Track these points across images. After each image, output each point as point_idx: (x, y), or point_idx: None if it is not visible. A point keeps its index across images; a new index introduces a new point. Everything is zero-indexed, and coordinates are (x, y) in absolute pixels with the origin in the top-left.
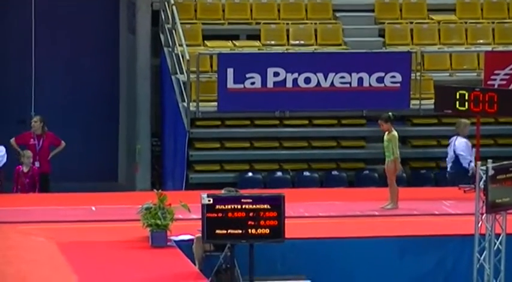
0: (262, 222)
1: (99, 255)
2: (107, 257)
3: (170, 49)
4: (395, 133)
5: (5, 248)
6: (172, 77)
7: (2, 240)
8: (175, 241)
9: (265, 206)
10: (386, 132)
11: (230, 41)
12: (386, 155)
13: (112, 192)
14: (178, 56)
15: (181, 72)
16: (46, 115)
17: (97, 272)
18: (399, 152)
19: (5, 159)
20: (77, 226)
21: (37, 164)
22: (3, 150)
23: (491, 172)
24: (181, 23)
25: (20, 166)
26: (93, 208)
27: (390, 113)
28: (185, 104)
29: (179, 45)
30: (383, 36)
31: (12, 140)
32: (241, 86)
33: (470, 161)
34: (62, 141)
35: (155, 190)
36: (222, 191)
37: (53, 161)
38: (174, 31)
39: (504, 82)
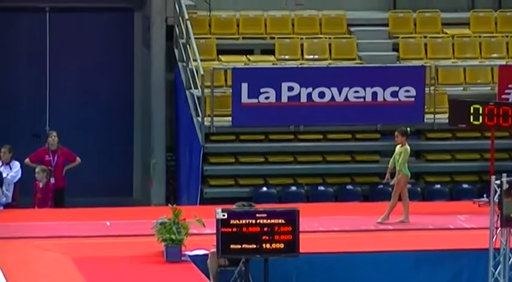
0: (276, 237)
1: (114, 270)
2: (122, 272)
3: (184, 64)
4: (407, 147)
5: (21, 263)
6: (187, 92)
7: (18, 256)
8: (189, 256)
9: (280, 221)
10: (399, 145)
11: (244, 56)
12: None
13: (127, 207)
14: (193, 71)
15: (196, 87)
16: (61, 130)
17: None
18: (406, 167)
19: (19, 175)
20: (92, 241)
21: (52, 180)
22: (18, 165)
23: (505, 186)
24: (195, 38)
25: (37, 181)
26: (108, 223)
27: (409, 129)
28: (199, 119)
29: (193, 60)
30: (397, 50)
31: (27, 160)
32: (256, 100)
33: None
34: (77, 158)
35: (170, 205)
36: (234, 206)
37: (68, 176)
38: (188, 46)
39: None
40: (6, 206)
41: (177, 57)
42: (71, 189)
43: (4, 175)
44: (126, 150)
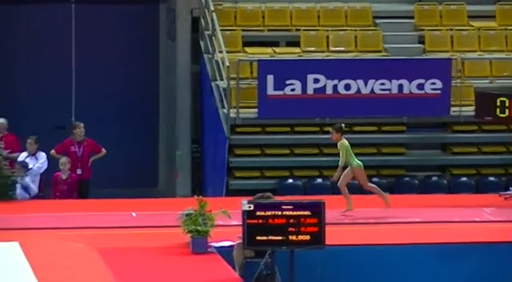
0: (302, 229)
1: (139, 261)
2: (148, 263)
3: (210, 56)
4: (343, 142)
5: (46, 254)
6: (212, 84)
7: (42, 247)
8: (215, 247)
9: (306, 213)
10: (338, 142)
11: (270, 48)
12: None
13: (152, 198)
14: (218, 63)
15: (221, 79)
16: (86, 121)
17: (137, 278)
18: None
19: (45, 166)
20: (117, 232)
21: (79, 171)
22: (44, 156)
23: None
24: (221, 30)
25: (59, 173)
26: (134, 214)
27: (343, 124)
28: (225, 111)
29: (219, 52)
30: (423, 43)
31: (53, 152)
32: (281, 92)
33: None
34: (103, 149)
35: (195, 196)
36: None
37: (93, 168)
38: (213, 38)
39: None
40: (34, 197)
41: (203, 49)
42: (96, 181)
43: (30, 166)
44: (152, 142)
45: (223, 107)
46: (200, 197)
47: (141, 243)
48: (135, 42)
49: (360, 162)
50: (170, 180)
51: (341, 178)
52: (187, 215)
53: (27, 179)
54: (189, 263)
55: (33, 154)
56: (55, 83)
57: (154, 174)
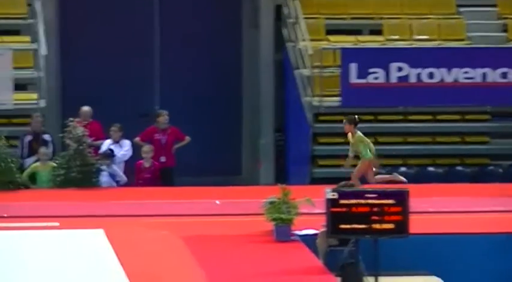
0: (386, 217)
1: (223, 249)
2: (231, 251)
3: (293, 44)
4: (358, 135)
5: (131, 242)
6: (295, 72)
7: (126, 234)
8: (299, 235)
9: (390, 201)
10: (350, 134)
11: (353, 36)
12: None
13: (236, 186)
14: (301, 51)
15: (304, 67)
16: (170, 109)
17: (222, 266)
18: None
19: (130, 153)
20: (201, 220)
21: (163, 159)
22: (128, 144)
23: None
24: (304, 18)
25: (141, 161)
26: (217, 202)
27: (357, 116)
28: (308, 99)
29: (302, 40)
30: (506, 31)
31: (137, 139)
32: (364, 80)
33: None
34: (187, 137)
35: (279, 184)
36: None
37: (177, 155)
38: (296, 26)
39: None
40: (123, 185)
41: (285, 37)
42: (180, 169)
43: (115, 153)
44: (235, 130)
45: (306, 95)
46: (283, 185)
47: (225, 231)
48: (218, 30)
49: (370, 154)
50: (253, 168)
51: (356, 172)
52: (271, 203)
53: (115, 167)
54: (273, 251)
55: (117, 142)
56: (139, 71)
57: (237, 162)
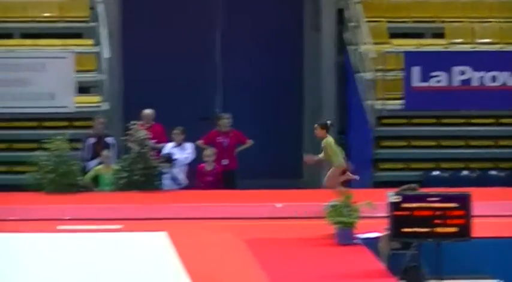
0: (449, 221)
1: (285, 252)
2: (293, 254)
3: (354, 47)
4: (328, 140)
5: (193, 245)
6: (357, 75)
7: (190, 237)
8: (361, 239)
9: (452, 205)
10: (323, 140)
11: (415, 39)
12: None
13: (297, 189)
14: (362, 54)
15: (366, 70)
16: (231, 112)
17: (284, 269)
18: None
19: (192, 156)
20: (262, 223)
21: (225, 162)
22: (190, 147)
23: None
24: (366, 21)
25: (203, 164)
26: (279, 205)
27: (329, 121)
28: (370, 102)
29: (364, 43)
30: None
31: (200, 142)
32: (427, 84)
33: None
34: (249, 140)
35: (340, 188)
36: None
37: (239, 158)
38: (358, 29)
39: None
40: (183, 188)
41: (347, 41)
42: (242, 171)
43: (177, 156)
44: (296, 132)
45: (368, 98)
46: (345, 188)
47: (287, 234)
48: (279, 33)
49: (342, 161)
50: (315, 171)
51: (327, 180)
52: (332, 206)
53: (175, 170)
54: (335, 254)
55: (179, 145)
56: (201, 73)
57: (299, 165)
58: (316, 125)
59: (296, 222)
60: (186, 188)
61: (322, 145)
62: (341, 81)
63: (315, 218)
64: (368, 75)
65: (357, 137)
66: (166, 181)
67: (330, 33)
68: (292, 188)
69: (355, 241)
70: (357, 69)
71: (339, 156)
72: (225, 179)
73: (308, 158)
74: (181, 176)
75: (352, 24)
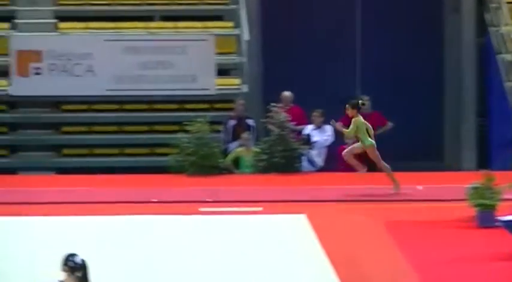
0: None
1: (425, 235)
2: (433, 236)
3: (496, 28)
4: (357, 119)
5: (331, 227)
6: (498, 57)
7: (328, 219)
8: (502, 221)
9: None
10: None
11: None
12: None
13: (438, 171)
14: (504, 35)
15: (507, 52)
16: (370, 95)
17: (423, 251)
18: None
19: (331, 139)
20: (402, 205)
21: None
22: (331, 129)
23: None
24: (506, 3)
25: (344, 146)
26: (420, 187)
27: (360, 101)
28: (510, 84)
29: (505, 25)
30: None
31: (339, 124)
32: None
33: None
34: (389, 122)
35: (481, 170)
36: None
37: (379, 141)
38: (500, 10)
39: None
40: (319, 170)
41: (488, 22)
42: (382, 154)
43: (316, 138)
44: (437, 115)
45: (509, 80)
46: (486, 170)
47: (427, 216)
48: (419, 14)
49: (372, 141)
50: (456, 154)
51: (348, 148)
52: (474, 188)
53: (313, 152)
54: (476, 237)
55: (318, 127)
56: (340, 55)
57: (440, 148)
58: (347, 106)
59: (436, 205)
60: (325, 170)
61: (352, 123)
62: (481, 63)
63: (454, 200)
64: (510, 57)
65: (497, 119)
66: (304, 163)
67: (470, 15)
68: (433, 170)
69: (496, 224)
70: (498, 51)
71: (367, 137)
72: (365, 161)
73: (337, 125)
74: (318, 159)
75: (493, 5)
